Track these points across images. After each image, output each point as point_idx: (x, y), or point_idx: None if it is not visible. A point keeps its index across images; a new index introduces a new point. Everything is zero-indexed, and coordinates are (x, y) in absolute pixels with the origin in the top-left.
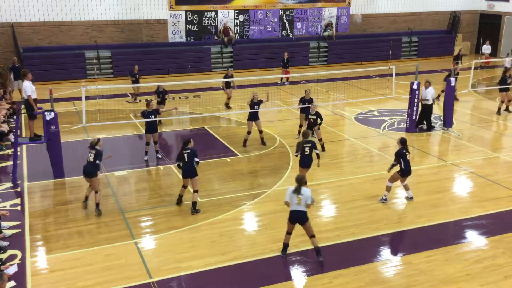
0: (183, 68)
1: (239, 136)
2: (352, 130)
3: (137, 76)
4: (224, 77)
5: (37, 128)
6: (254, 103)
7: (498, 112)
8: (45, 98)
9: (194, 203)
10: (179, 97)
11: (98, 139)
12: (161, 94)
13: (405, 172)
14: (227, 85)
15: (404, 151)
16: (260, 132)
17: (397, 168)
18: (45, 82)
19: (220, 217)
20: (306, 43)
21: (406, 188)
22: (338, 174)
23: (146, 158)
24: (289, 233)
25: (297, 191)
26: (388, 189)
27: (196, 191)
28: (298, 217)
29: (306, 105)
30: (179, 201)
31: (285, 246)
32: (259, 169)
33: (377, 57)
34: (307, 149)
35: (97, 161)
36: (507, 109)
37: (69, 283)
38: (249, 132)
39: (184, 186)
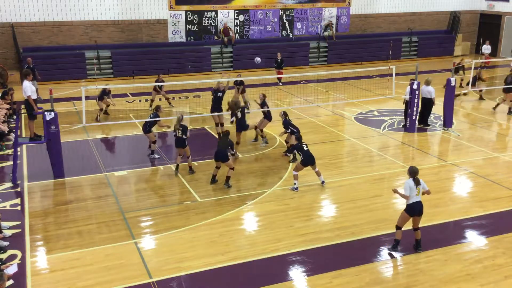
0: (183, 68)
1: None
2: (352, 130)
3: (104, 97)
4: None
5: (37, 128)
6: (220, 91)
7: (510, 112)
8: (45, 98)
9: (228, 177)
10: (179, 97)
11: (182, 116)
12: (106, 95)
13: (305, 162)
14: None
15: (300, 144)
16: (221, 124)
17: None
18: (45, 82)
19: (220, 217)
20: (306, 43)
21: (318, 174)
22: (338, 174)
23: (157, 156)
24: (400, 227)
25: (417, 182)
26: (295, 177)
27: (232, 169)
28: (420, 209)
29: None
30: (214, 181)
31: (398, 242)
32: (259, 169)
33: (377, 57)
34: (239, 114)
35: (185, 136)
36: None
37: (69, 283)
38: (217, 124)
39: (217, 167)
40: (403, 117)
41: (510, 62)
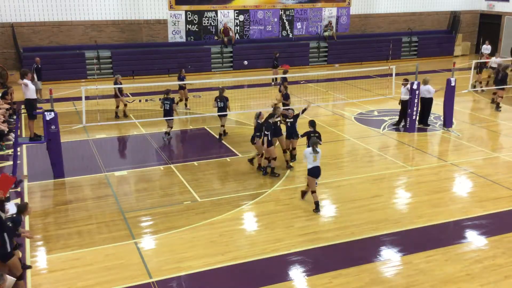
0: (183, 68)
1: (239, 136)
2: (352, 130)
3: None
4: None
5: (37, 128)
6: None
7: (498, 108)
8: (45, 98)
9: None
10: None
11: (260, 113)
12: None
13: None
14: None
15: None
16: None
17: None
18: (45, 82)
19: (220, 217)
20: (306, 43)
21: None
22: (338, 174)
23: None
24: (314, 191)
25: (314, 151)
26: None
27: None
28: (318, 172)
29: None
30: (289, 165)
31: (317, 203)
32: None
33: (377, 57)
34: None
35: (257, 133)
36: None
37: (69, 283)
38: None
39: (285, 151)
40: (398, 117)
41: (510, 61)
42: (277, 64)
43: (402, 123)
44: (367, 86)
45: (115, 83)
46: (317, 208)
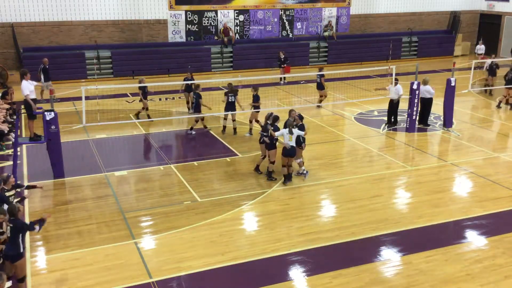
0: (183, 68)
1: (239, 136)
2: (352, 130)
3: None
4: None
5: (37, 128)
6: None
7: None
8: (45, 98)
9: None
10: (179, 97)
11: (271, 113)
12: (143, 88)
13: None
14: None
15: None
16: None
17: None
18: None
19: (220, 217)
20: (306, 43)
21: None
22: (338, 174)
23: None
24: (284, 165)
25: (290, 131)
26: (301, 164)
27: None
28: (291, 152)
29: None
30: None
31: (286, 176)
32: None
33: (377, 57)
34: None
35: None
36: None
37: (69, 283)
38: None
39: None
40: (393, 116)
41: (510, 61)
42: (280, 64)
43: (402, 124)
44: (367, 86)
45: (140, 83)
46: (286, 179)
